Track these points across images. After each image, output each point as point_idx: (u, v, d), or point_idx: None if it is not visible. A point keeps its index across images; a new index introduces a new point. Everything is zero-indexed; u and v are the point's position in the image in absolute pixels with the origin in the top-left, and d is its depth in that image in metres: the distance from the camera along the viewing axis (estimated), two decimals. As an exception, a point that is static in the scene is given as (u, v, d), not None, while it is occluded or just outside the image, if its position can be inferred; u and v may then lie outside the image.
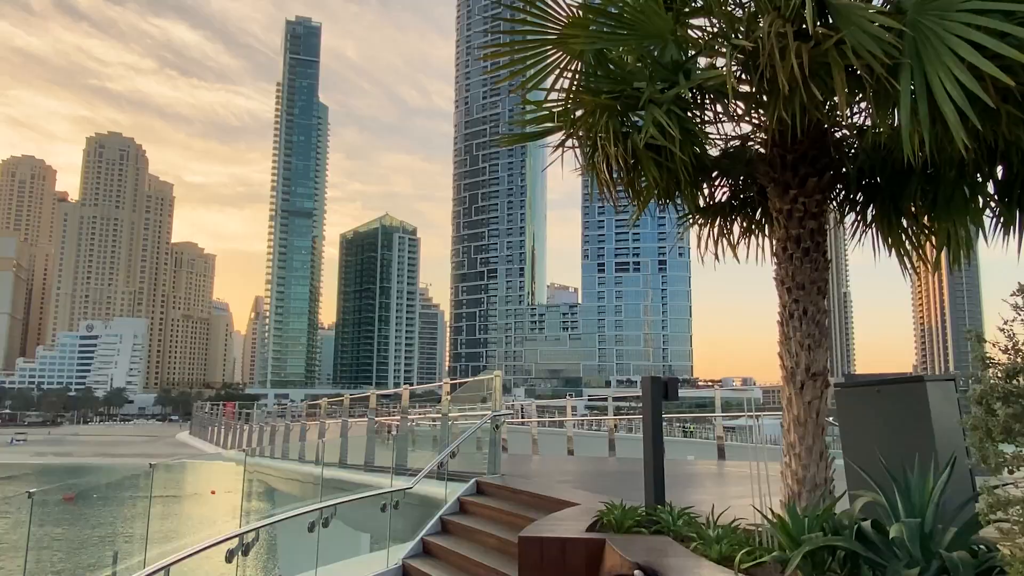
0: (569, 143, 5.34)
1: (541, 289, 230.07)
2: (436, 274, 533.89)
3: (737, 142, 5.70)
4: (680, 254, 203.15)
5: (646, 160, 4.77)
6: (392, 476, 9.69)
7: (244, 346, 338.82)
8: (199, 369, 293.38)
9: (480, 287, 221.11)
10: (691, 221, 6.02)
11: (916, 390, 4.66)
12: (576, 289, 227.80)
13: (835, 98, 4.43)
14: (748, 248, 6.09)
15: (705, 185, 5.98)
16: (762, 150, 5.05)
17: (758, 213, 6.02)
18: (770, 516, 4.09)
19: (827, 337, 4.64)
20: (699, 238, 6.15)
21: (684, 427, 24.20)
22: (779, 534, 3.64)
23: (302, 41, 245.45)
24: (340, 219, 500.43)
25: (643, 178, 5.41)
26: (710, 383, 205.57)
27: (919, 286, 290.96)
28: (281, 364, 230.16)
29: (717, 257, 6.15)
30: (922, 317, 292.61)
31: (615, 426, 18.38)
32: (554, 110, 5.32)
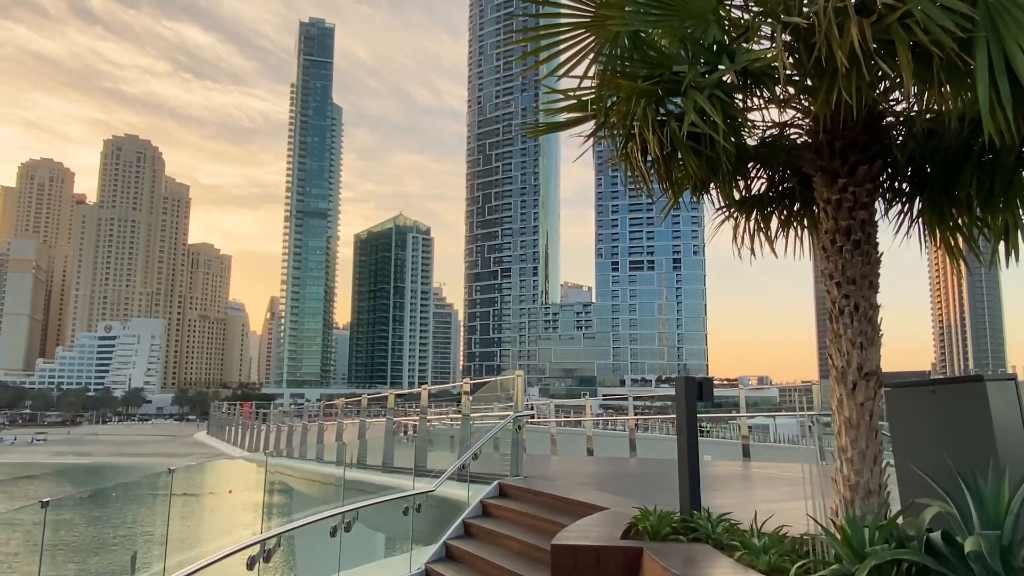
0: (600, 133, 5.12)
1: (555, 288, 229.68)
2: (449, 274, 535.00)
3: (775, 131, 5.45)
4: (695, 252, 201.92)
5: (685, 149, 4.52)
6: (414, 478, 9.49)
7: (260, 346, 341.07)
8: (216, 369, 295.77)
9: (494, 286, 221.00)
10: (727, 214, 5.76)
11: (975, 391, 4.38)
12: (590, 288, 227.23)
13: (887, 80, 4.19)
14: (787, 242, 5.85)
15: (740, 176, 5.73)
16: (807, 138, 4.79)
17: (796, 205, 5.77)
18: (817, 523, 3.85)
19: (879, 334, 4.38)
20: (734, 232, 5.91)
21: (700, 427, 23.83)
22: (840, 546, 3.39)
23: (316, 42, 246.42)
24: (353, 219, 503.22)
25: (679, 169, 5.18)
26: (726, 382, 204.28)
27: (937, 283, 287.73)
28: (296, 364, 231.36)
29: (753, 252, 5.91)
30: (941, 315, 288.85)
31: (635, 426, 18.10)
32: (584, 98, 5.10)
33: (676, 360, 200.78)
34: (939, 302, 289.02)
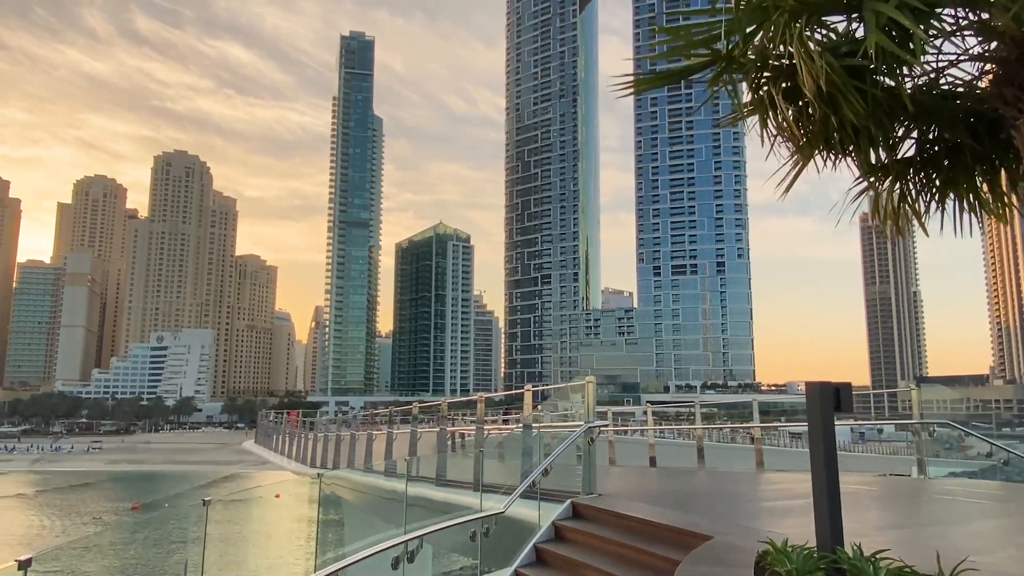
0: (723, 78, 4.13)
1: (596, 294, 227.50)
2: (489, 281, 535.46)
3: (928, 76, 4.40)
4: (739, 255, 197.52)
5: (847, 87, 3.52)
6: (481, 496, 8.56)
7: (305, 354, 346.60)
8: (263, 377, 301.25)
9: (534, 293, 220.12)
10: (870, 182, 4.72)
11: None
12: (631, 293, 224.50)
13: None
14: (946, 215, 4.78)
15: (883, 135, 4.67)
16: (985, 71, 3.73)
17: (951, 169, 4.70)
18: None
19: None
20: (875, 206, 4.87)
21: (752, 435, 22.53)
22: None
23: (356, 55, 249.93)
24: (393, 228, 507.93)
25: (814, 118, 4.16)
26: (773, 387, 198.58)
27: (995, 283, 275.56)
28: (341, 372, 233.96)
29: (900, 230, 4.87)
30: (998, 316, 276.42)
31: (702, 434, 16.94)
32: (702, 36, 4.14)
33: (721, 365, 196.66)
34: (996, 299, 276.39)
